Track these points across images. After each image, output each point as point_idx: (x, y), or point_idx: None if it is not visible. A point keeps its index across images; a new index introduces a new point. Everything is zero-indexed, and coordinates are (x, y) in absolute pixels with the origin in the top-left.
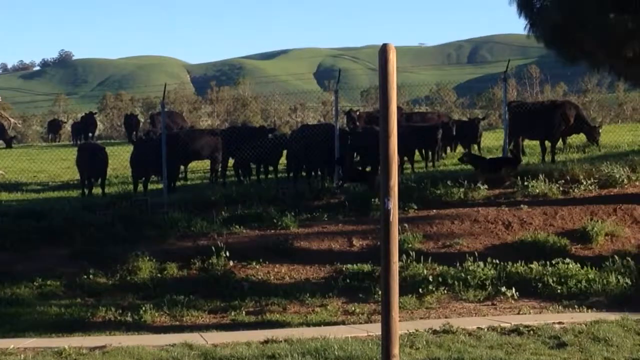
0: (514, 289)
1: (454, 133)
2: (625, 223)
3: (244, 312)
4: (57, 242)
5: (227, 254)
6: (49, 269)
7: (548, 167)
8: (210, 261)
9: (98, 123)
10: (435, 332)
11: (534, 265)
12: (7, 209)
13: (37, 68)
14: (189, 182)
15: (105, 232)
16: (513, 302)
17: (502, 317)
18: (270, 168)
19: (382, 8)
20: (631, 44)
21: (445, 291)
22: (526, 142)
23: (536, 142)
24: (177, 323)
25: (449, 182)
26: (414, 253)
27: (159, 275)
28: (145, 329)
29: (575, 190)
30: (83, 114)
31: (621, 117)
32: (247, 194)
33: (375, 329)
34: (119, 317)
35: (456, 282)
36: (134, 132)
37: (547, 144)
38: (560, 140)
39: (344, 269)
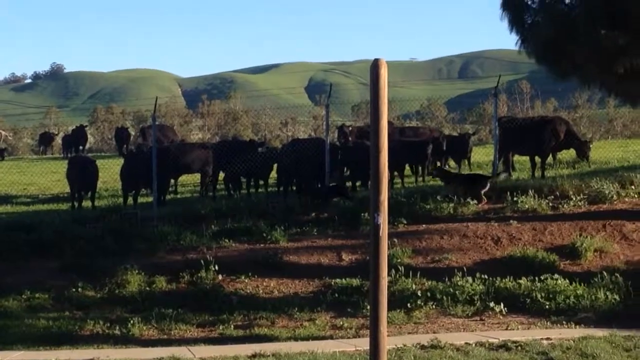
0: (502, 305)
1: (444, 148)
2: (614, 239)
3: (232, 326)
4: (46, 254)
5: (216, 267)
6: (37, 282)
7: (538, 182)
8: (199, 275)
9: (89, 136)
10: (423, 347)
11: (523, 281)
12: None
13: (29, 80)
14: (179, 196)
15: (94, 245)
16: (501, 317)
17: (490, 333)
18: (261, 182)
19: (373, 23)
20: (622, 60)
21: (434, 306)
22: (516, 157)
23: (526, 158)
24: (165, 337)
25: (438, 197)
26: (403, 268)
27: (147, 288)
28: (134, 342)
29: (565, 206)
30: (74, 127)
31: (611, 133)
32: (237, 208)
33: (364, 344)
34: (107, 331)
35: (445, 297)
36: (125, 145)
37: (537, 159)
38: (551, 155)
39: (332, 283)
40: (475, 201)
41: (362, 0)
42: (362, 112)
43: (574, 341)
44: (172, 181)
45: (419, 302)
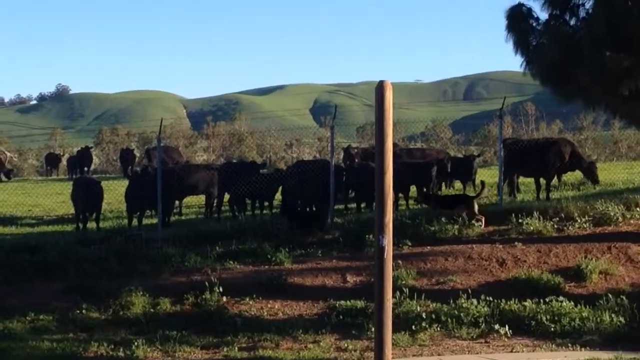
0: (507, 327)
1: (449, 170)
2: (619, 261)
3: (236, 348)
4: (51, 276)
5: (221, 289)
6: (42, 303)
7: (542, 204)
8: (203, 296)
9: (94, 157)
10: None
11: (528, 303)
12: (2, 243)
13: (34, 102)
14: (183, 217)
15: (99, 266)
16: (506, 340)
17: (495, 355)
18: (266, 203)
19: (378, 44)
20: (627, 82)
21: (439, 328)
22: (521, 179)
23: (531, 179)
24: (170, 358)
25: (443, 219)
26: (407, 290)
27: (152, 310)
28: None
29: (570, 227)
30: (79, 148)
31: (616, 154)
32: (242, 229)
33: None
34: (111, 352)
35: (449, 320)
36: (130, 167)
37: (542, 181)
38: (556, 177)
39: (337, 305)
40: (479, 223)
41: (367, 21)
42: (367, 133)
43: None
44: (177, 202)
45: (423, 324)
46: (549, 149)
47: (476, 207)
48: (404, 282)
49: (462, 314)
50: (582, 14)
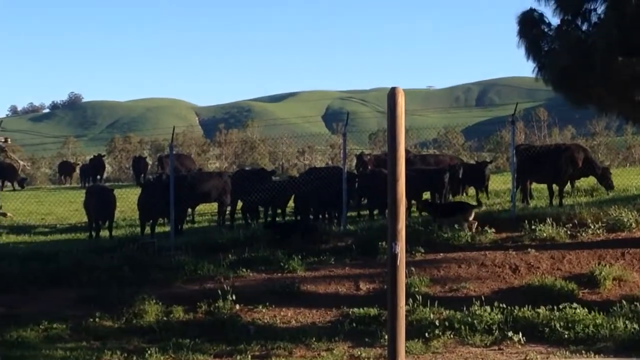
0: (521, 334)
1: (461, 176)
2: (633, 267)
3: (249, 356)
4: (64, 284)
5: (234, 297)
6: (55, 312)
7: (556, 210)
8: (216, 304)
9: (106, 165)
10: None
11: (541, 310)
12: (15, 251)
13: (47, 110)
14: (196, 225)
15: (112, 274)
16: (520, 347)
17: None
18: (279, 211)
19: (390, 51)
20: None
21: (452, 336)
22: (534, 185)
23: (544, 186)
24: None
25: (456, 226)
26: (420, 297)
27: (165, 318)
28: None
29: (583, 234)
30: (91, 157)
31: (629, 160)
32: (255, 237)
33: None
34: None
35: (463, 327)
36: (142, 175)
37: (555, 187)
38: (569, 183)
39: (350, 312)
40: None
41: (378, 28)
42: (379, 140)
43: None
44: (190, 210)
45: (437, 331)
46: (561, 155)
47: (473, 216)
48: (417, 289)
49: (475, 321)
50: (593, 19)
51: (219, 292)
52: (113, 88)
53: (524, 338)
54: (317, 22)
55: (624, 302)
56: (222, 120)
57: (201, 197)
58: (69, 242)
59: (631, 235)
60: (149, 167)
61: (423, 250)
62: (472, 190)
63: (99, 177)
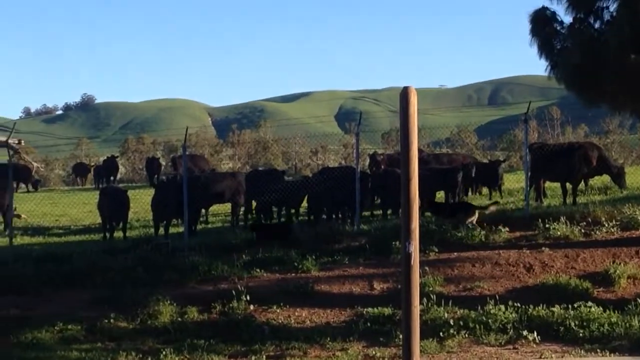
0: (535, 333)
1: (473, 175)
2: None
3: (264, 356)
4: (78, 286)
5: (248, 297)
6: (69, 313)
7: (569, 209)
8: (230, 305)
9: (120, 166)
10: None
11: (556, 309)
12: (29, 253)
13: (60, 112)
14: (210, 226)
15: (126, 275)
16: (535, 346)
17: None
18: (292, 211)
19: (402, 50)
20: None
21: (466, 335)
22: (548, 183)
23: (558, 184)
24: None
25: (469, 225)
26: (434, 296)
27: (179, 319)
28: None
29: (597, 232)
30: (105, 158)
31: None
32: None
33: None
34: None
35: (477, 326)
36: (156, 176)
37: (569, 185)
38: (582, 181)
39: (364, 312)
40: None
41: (391, 27)
42: (392, 139)
43: None
44: (203, 211)
45: (451, 330)
46: (575, 153)
47: (476, 216)
48: (431, 288)
49: (489, 320)
50: (606, 17)
51: (233, 292)
52: (126, 89)
53: (539, 337)
54: (329, 22)
55: (639, 300)
56: (235, 121)
57: (215, 198)
58: (83, 243)
59: None
60: (163, 167)
61: (437, 250)
62: (485, 190)
63: (112, 178)
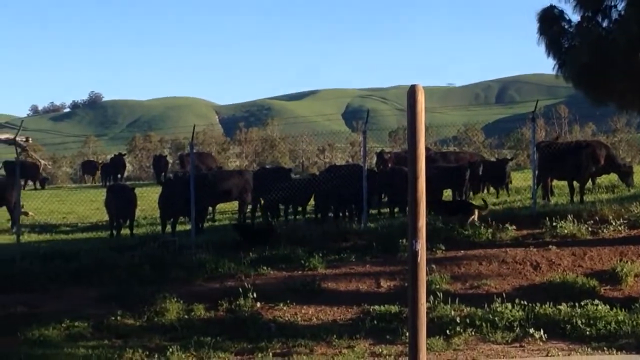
0: (542, 331)
1: (480, 173)
2: None
3: (270, 354)
4: (85, 283)
5: (255, 295)
6: (76, 310)
7: (577, 207)
8: (237, 302)
9: (127, 164)
10: None
11: (563, 307)
12: (37, 250)
13: (67, 110)
14: (217, 223)
15: (133, 273)
16: (541, 343)
17: (531, 359)
18: (299, 209)
19: (410, 48)
20: None
21: (473, 333)
22: (555, 182)
23: (565, 182)
24: None
25: (476, 223)
26: (441, 294)
27: (186, 316)
28: None
29: (605, 230)
30: (112, 156)
31: None
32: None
33: None
34: (146, 359)
35: (484, 324)
36: (163, 173)
37: (576, 184)
38: (590, 180)
39: (371, 310)
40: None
41: (397, 25)
42: (399, 137)
43: None
44: (210, 209)
45: (458, 328)
46: (582, 152)
47: (476, 216)
48: (438, 286)
49: (496, 318)
50: (614, 15)
51: (240, 290)
52: (133, 87)
53: (546, 335)
54: (335, 19)
55: None
56: (242, 119)
57: (222, 196)
58: (90, 240)
59: None
60: (170, 165)
61: (444, 248)
62: (492, 188)
63: (119, 176)
